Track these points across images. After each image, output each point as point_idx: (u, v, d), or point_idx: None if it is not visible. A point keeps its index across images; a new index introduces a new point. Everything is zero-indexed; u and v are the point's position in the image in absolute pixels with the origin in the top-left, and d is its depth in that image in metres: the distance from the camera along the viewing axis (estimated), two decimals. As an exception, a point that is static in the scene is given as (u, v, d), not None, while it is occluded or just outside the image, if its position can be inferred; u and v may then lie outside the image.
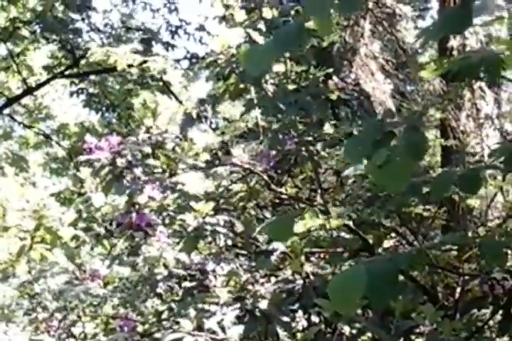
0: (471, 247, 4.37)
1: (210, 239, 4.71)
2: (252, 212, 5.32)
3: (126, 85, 14.76)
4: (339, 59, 7.43)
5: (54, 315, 5.47)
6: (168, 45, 14.14)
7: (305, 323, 4.50)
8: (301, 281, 4.53)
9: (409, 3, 8.54)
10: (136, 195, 4.81)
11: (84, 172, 5.35)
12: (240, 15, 5.31)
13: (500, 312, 4.43)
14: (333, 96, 5.46)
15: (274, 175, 5.27)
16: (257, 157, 5.21)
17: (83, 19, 14.36)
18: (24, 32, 14.09)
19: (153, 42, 14.10)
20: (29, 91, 15.07)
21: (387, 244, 5.08)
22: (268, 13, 5.30)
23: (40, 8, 13.71)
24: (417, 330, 4.38)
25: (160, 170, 4.96)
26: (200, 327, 4.14)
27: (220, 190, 5.22)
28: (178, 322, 4.24)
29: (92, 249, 5.90)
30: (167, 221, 4.95)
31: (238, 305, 4.38)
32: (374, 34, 7.56)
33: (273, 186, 5.19)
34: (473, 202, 5.10)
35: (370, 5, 7.35)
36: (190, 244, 4.66)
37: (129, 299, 5.11)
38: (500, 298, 4.38)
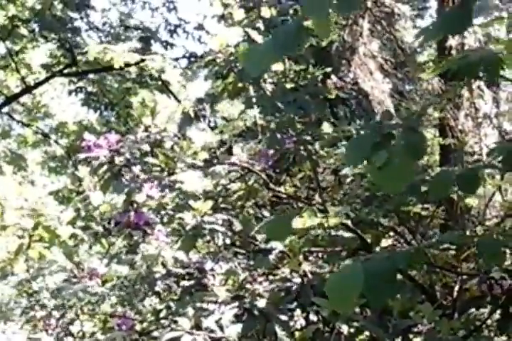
0: (470, 246, 4.37)
1: (208, 237, 4.71)
2: (251, 211, 5.32)
3: (124, 84, 14.76)
4: (338, 58, 7.44)
5: (52, 314, 5.47)
6: (166, 44, 14.15)
7: (303, 322, 4.50)
8: (299, 280, 4.53)
9: (407, 3, 8.55)
10: (134, 193, 4.81)
11: (83, 170, 5.36)
12: (239, 14, 5.31)
13: (499, 311, 4.44)
14: (332, 96, 5.46)
15: (273, 174, 5.27)
16: (255, 156, 5.22)
17: (82, 18, 14.36)
18: (23, 30, 14.07)
19: (152, 41, 14.12)
20: (28, 89, 15.06)
21: (385, 243, 5.07)
22: (266, 12, 5.30)
23: (38, 7, 13.70)
24: (415, 329, 4.39)
25: (158, 168, 4.96)
26: (198, 326, 4.14)
27: (219, 188, 5.22)
28: (176, 321, 4.23)
29: (90, 247, 5.91)
30: (165, 220, 4.95)
31: (236, 303, 4.38)
32: (373, 33, 7.56)
33: (271, 185, 5.19)
34: (472, 201, 5.10)
35: (369, 4, 7.35)
36: (189, 242, 4.66)
37: (127, 297, 5.11)
38: (498, 297, 4.38)
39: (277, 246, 4.69)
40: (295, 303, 4.44)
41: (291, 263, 4.61)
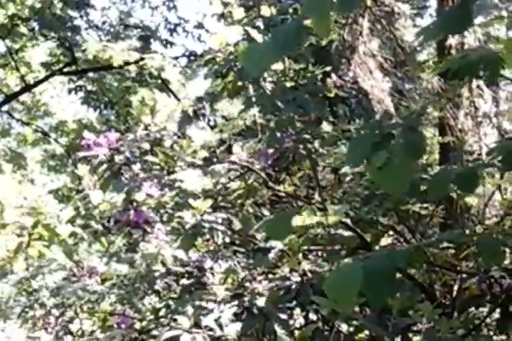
0: (469, 245, 4.38)
1: (208, 236, 4.71)
2: (250, 210, 5.32)
3: (124, 83, 14.76)
4: (337, 57, 7.44)
5: (51, 312, 5.47)
6: (166, 43, 14.15)
7: (302, 321, 4.51)
8: (298, 279, 4.53)
9: (407, 2, 8.56)
10: (134, 192, 4.81)
11: (83, 169, 5.36)
12: (239, 13, 5.31)
13: (498, 310, 4.44)
14: (332, 94, 5.46)
15: (272, 172, 5.27)
16: (255, 155, 5.22)
17: (81, 16, 14.37)
18: (23, 29, 14.07)
19: (152, 40, 14.13)
20: (27, 88, 15.06)
21: (384, 241, 5.08)
22: (266, 10, 5.30)
23: (38, 6, 13.69)
24: (415, 328, 4.39)
25: (158, 167, 4.96)
26: (197, 325, 4.14)
27: (218, 187, 5.21)
28: (175, 320, 4.24)
29: (89, 245, 5.91)
30: (165, 218, 4.95)
31: (236, 302, 4.38)
32: (372, 32, 7.56)
33: (271, 184, 5.20)
34: (471, 200, 5.10)
35: (369, 3, 7.35)
36: (188, 241, 4.66)
37: (126, 296, 5.11)
38: (497, 296, 4.39)
39: (277, 244, 4.69)
40: (294, 302, 4.45)
41: (290, 262, 4.61)
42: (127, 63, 12.49)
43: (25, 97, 16.16)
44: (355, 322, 4.21)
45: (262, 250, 4.77)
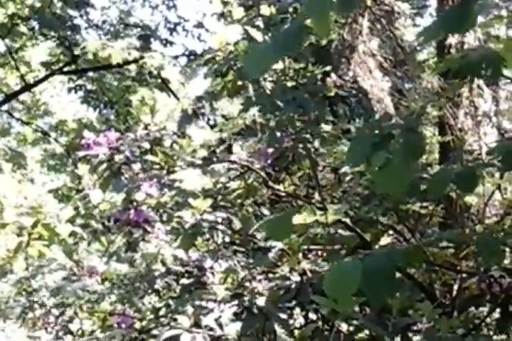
0: (469, 245, 4.37)
1: (207, 236, 4.71)
2: (250, 209, 5.32)
3: (124, 82, 14.77)
4: (337, 56, 7.43)
5: (51, 312, 5.47)
6: (166, 42, 14.15)
7: (302, 320, 4.51)
8: (298, 278, 4.53)
9: (407, 1, 8.55)
10: (134, 192, 4.81)
11: (82, 168, 5.36)
12: (238, 12, 5.31)
13: (498, 310, 4.44)
14: (331, 94, 5.46)
15: (272, 172, 5.27)
16: (254, 154, 5.21)
17: (81, 16, 14.37)
18: (22, 28, 14.08)
19: (152, 39, 14.12)
20: (27, 87, 15.06)
21: (384, 241, 5.07)
22: (266, 10, 5.30)
23: (38, 5, 13.69)
24: (415, 328, 4.39)
25: (158, 166, 4.96)
26: (197, 324, 4.14)
27: (218, 187, 5.21)
28: (175, 319, 4.24)
29: (89, 245, 5.91)
30: (165, 218, 4.95)
31: (236, 302, 4.38)
32: (372, 31, 7.55)
33: (271, 183, 5.19)
34: (471, 199, 5.10)
35: (369, 2, 7.34)
36: (188, 240, 4.66)
37: (126, 296, 5.11)
38: (497, 295, 4.39)
39: (277, 244, 4.69)
40: (294, 301, 4.45)
41: (290, 262, 4.61)
42: (127, 62, 12.49)
43: (25, 97, 16.16)
44: (355, 322, 4.21)
45: (262, 249, 4.77)
